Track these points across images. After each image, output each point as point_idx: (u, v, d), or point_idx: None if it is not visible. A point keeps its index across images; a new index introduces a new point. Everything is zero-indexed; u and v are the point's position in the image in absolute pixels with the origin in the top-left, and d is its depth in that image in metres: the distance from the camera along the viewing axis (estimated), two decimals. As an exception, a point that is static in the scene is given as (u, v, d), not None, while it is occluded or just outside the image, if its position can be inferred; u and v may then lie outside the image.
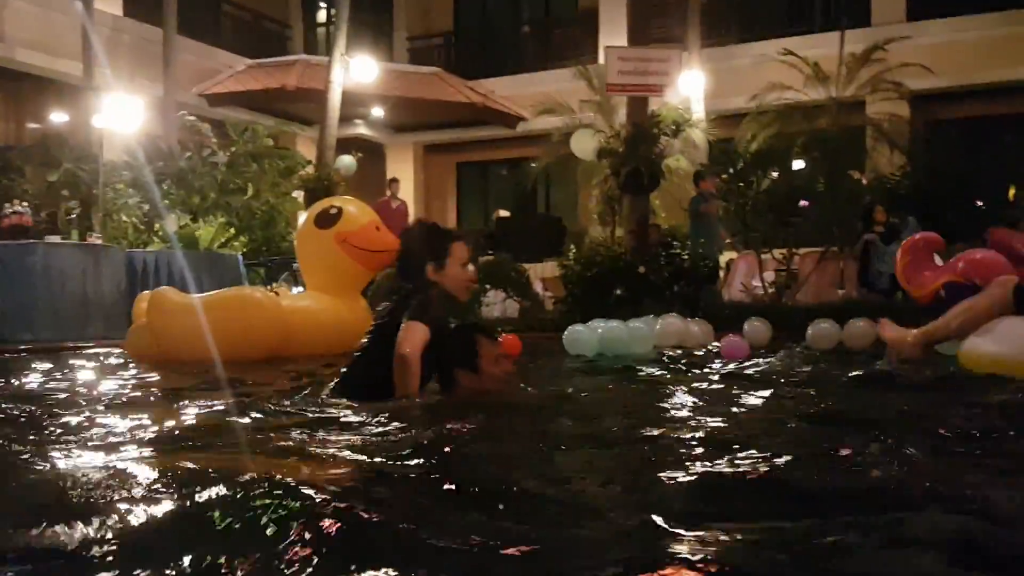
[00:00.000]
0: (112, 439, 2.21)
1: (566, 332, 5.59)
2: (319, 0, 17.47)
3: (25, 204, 8.00)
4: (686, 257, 8.81)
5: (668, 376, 4.03)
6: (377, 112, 15.54)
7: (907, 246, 4.17)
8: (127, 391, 3.69)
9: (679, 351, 5.43)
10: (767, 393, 3.04)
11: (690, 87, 12.57)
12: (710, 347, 5.58)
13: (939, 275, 3.87)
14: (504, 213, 14.96)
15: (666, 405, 2.92)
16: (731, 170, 9.25)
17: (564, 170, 12.68)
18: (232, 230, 10.36)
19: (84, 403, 3.11)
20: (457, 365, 2.91)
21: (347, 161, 12.30)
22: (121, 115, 10.11)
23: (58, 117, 12.02)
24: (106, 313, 7.63)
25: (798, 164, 12.24)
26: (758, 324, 5.82)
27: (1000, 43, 12.72)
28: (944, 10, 13.29)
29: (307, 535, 1.16)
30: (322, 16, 18.26)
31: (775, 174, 9.15)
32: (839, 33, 11.77)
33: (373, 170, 16.44)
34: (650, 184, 8.82)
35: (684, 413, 2.70)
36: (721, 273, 10.71)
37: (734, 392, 3.13)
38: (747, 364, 4.44)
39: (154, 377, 4.44)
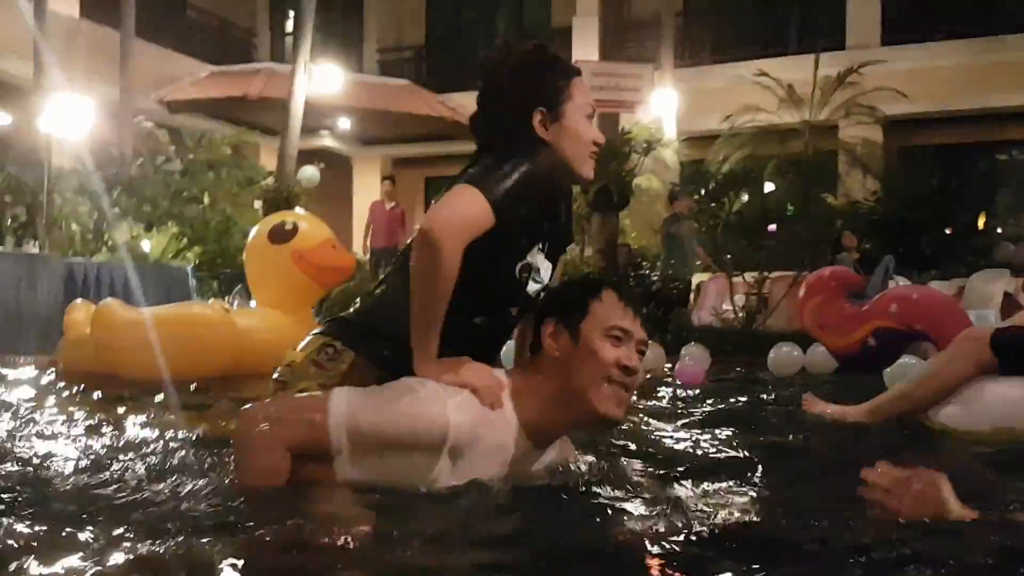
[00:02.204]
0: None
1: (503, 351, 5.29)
2: (287, 7, 17.09)
3: (-44, 209, 7.55)
4: (655, 278, 8.57)
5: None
6: (344, 124, 15.18)
7: (814, 284, 3.36)
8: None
9: None
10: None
11: (663, 106, 12.39)
12: (664, 370, 5.41)
13: (864, 319, 3.12)
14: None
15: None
16: (703, 191, 9.07)
17: (534, 188, 12.41)
18: (185, 241, 9.95)
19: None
20: (551, 321, 1.79)
21: (309, 172, 11.93)
22: (70, 118, 9.66)
23: (5, 118, 11.54)
24: (41, 325, 7.18)
25: (770, 187, 12.14)
26: (695, 350, 5.65)
27: (975, 70, 12.67)
28: (919, 36, 13.26)
29: None
30: (291, 25, 17.89)
31: (746, 196, 8.97)
32: (814, 56, 11.66)
33: (339, 183, 16.06)
34: (619, 202, 8.58)
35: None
36: (692, 296, 10.49)
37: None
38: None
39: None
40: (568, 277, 2.72)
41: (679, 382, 4.74)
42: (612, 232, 8.93)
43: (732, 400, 3.90)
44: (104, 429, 2.78)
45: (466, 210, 1.77)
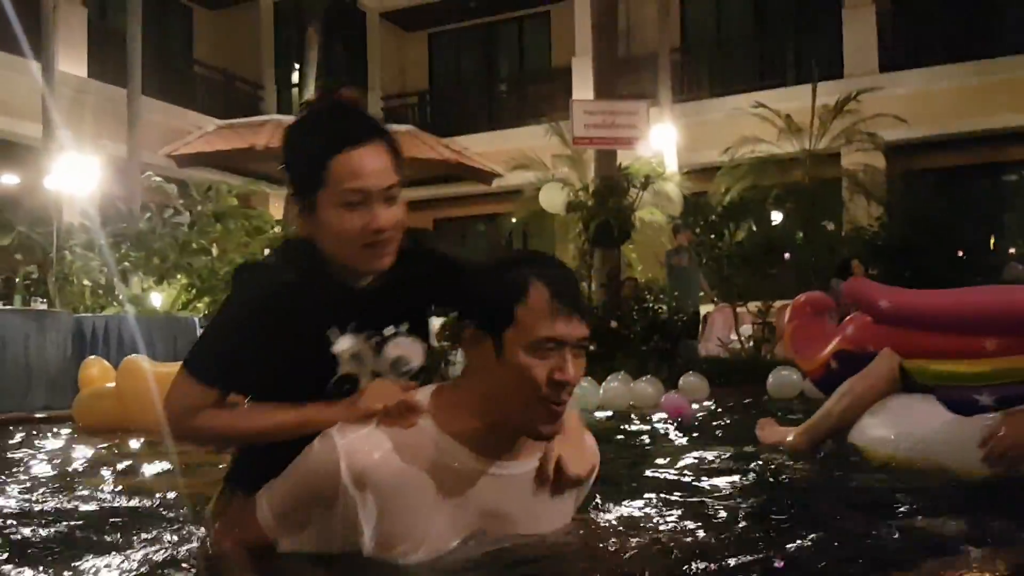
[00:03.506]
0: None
1: None
2: (293, 61, 17.42)
3: (-36, 269, 7.69)
4: (660, 310, 8.59)
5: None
6: (350, 170, 15.38)
7: (791, 310, 3.28)
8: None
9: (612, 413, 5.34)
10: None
11: (662, 141, 12.49)
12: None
13: (828, 343, 3.05)
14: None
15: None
16: (703, 223, 9.11)
17: (541, 225, 12.55)
18: (194, 292, 10.06)
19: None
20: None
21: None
22: (78, 176, 9.87)
23: (15, 179, 11.78)
24: (50, 381, 7.27)
25: (777, 216, 12.16)
26: (693, 379, 5.69)
27: (974, 93, 12.70)
28: (917, 61, 13.32)
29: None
30: (296, 77, 18.24)
31: (746, 228, 9.01)
32: (811, 86, 11.75)
33: (347, 229, 16.24)
34: (620, 237, 8.63)
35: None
36: (701, 327, 10.50)
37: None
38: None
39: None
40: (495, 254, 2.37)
41: (664, 414, 4.79)
42: (614, 266, 8.98)
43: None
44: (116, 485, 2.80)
45: (176, 405, 1.58)
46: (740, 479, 2.50)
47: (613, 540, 1.71)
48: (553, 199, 9.53)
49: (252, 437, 1.61)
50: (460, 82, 18.80)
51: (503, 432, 1.52)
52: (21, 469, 3.33)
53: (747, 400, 5.71)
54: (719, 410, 5.03)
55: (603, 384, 5.71)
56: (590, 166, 11.12)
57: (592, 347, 8.05)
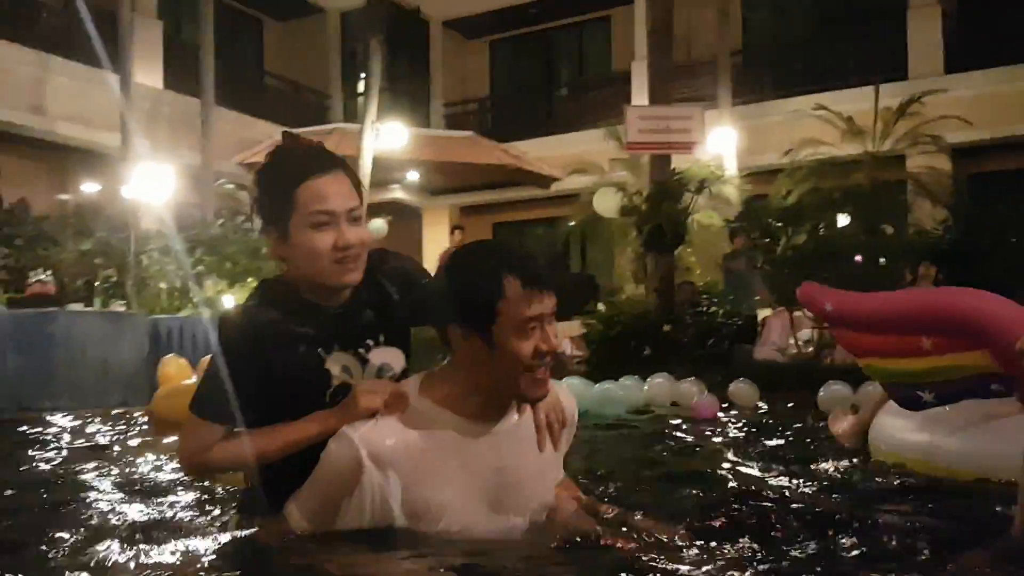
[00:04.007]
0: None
1: None
2: (358, 71, 17.84)
3: (49, 273, 8.16)
4: (714, 312, 8.62)
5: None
6: (412, 176, 15.71)
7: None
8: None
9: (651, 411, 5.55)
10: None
11: (722, 144, 12.48)
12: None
13: None
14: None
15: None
16: (760, 226, 9.09)
17: (599, 228, 12.63)
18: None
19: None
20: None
21: (377, 225, 12.40)
22: (154, 184, 10.34)
23: (95, 187, 12.37)
24: (127, 381, 7.66)
25: (843, 220, 12.01)
26: (744, 385, 5.75)
27: (1041, 93, 12.38)
28: (983, 62, 13.02)
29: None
30: (362, 86, 18.67)
31: (806, 231, 8.93)
32: (873, 88, 11.61)
33: (410, 233, 16.58)
34: (673, 242, 8.68)
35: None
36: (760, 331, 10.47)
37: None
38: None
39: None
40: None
41: (694, 417, 4.99)
42: (668, 270, 9.03)
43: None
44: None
45: (188, 446, 1.81)
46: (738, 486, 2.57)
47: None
48: (607, 203, 9.64)
49: (268, 456, 1.78)
50: (520, 88, 19.01)
51: (494, 398, 1.72)
52: (113, 457, 3.61)
53: (791, 405, 5.74)
54: (766, 421, 5.06)
55: (648, 381, 5.83)
56: (647, 170, 11.20)
57: (647, 351, 8.21)
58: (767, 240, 8.57)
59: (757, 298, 9.79)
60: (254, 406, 1.78)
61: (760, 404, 5.84)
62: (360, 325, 1.87)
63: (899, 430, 2.78)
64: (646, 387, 5.70)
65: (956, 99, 11.87)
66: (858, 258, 9.46)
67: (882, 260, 9.79)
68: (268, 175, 1.85)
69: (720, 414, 5.25)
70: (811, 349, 9.02)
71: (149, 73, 13.48)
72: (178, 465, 1.85)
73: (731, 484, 2.52)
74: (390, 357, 1.89)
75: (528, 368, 1.65)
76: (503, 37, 18.93)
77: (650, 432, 4.53)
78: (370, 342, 1.87)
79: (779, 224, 8.89)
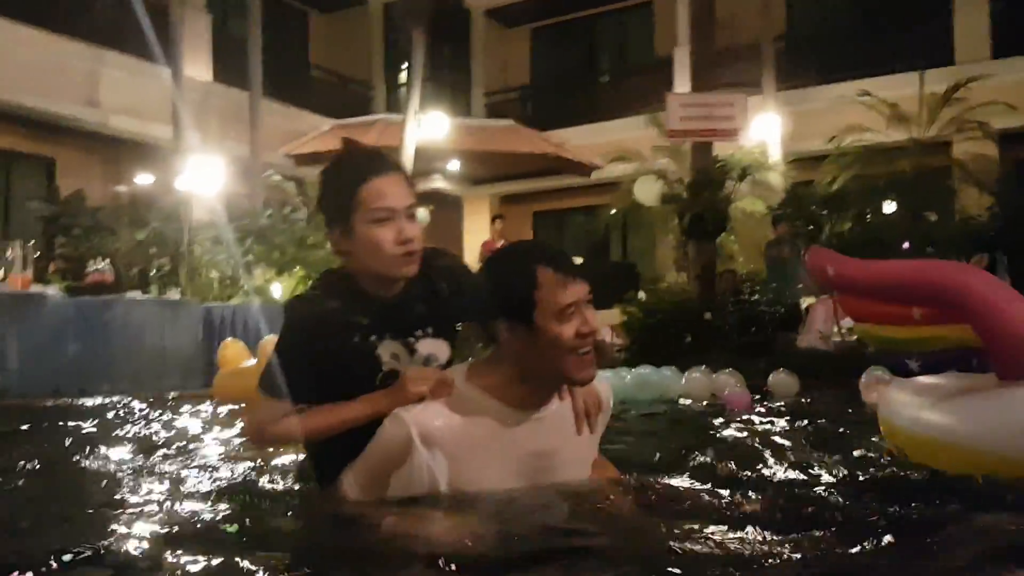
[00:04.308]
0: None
1: None
2: (401, 61, 18.03)
3: (107, 261, 8.45)
4: (757, 300, 8.62)
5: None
6: (454, 166, 15.86)
7: None
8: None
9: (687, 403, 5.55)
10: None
11: (765, 130, 12.43)
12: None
13: None
14: (578, 260, 14.94)
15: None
16: (803, 213, 9.09)
17: (640, 216, 12.65)
18: (310, 283, 10.68)
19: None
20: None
21: (420, 214, 12.55)
22: (205, 176, 10.62)
23: (148, 178, 12.69)
24: (182, 365, 7.94)
25: (889, 207, 11.91)
26: (784, 376, 5.77)
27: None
28: (1033, 46, 12.79)
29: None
30: (404, 77, 18.87)
31: (850, 217, 8.91)
32: (918, 73, 11.50)
33: (451, 222, 16.76)
34: (714, 230, 8.70)
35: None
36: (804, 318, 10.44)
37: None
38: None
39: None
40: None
41: (727, 407, 5.01)
42: (709, 258, 9.05)
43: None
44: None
45: (256, 420, 2.00)
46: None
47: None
48: (648, 191, 9.69)
49: (323, 432, 1.94)
50: (561, 76, 19.02)
51: (536, 387, 1.85)
52: (186, 438, 3.81)
53: (832, 394, 5.74)
54: (802, 411, 5.05)
55: (685, 374, 5.88)
56: (689, 157, 11.20)
57: (688, 338, 8.25)
58: (810, 227, 8.53)
59: (800, 286, 9.78)
60: (313, 386, 1.94)
61: (801, 394, 5.85)
62: (410, 316, 2.03)
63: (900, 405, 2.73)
64: (683, 380, 5.76)
65: (1003, 84, 11.70)
66: (906, 245, 9.40)
67: (929, 248, 9.72)
68: (332, 177, 2.03)
69: (755, 406, 5.29)
70: (855, 337, 9.00)
71: (198, 66, 13.78)
72: (243, 439, 2.02)
73: (736, 470, 2.56)
74: (436, 348, 2.04)
75: (572, 349, 1.77)
76: (544, 25, 18.93)
77: (678, 420, 4.60)
78: (418, 333, 2.03)
79: (823, 211, 8.88)
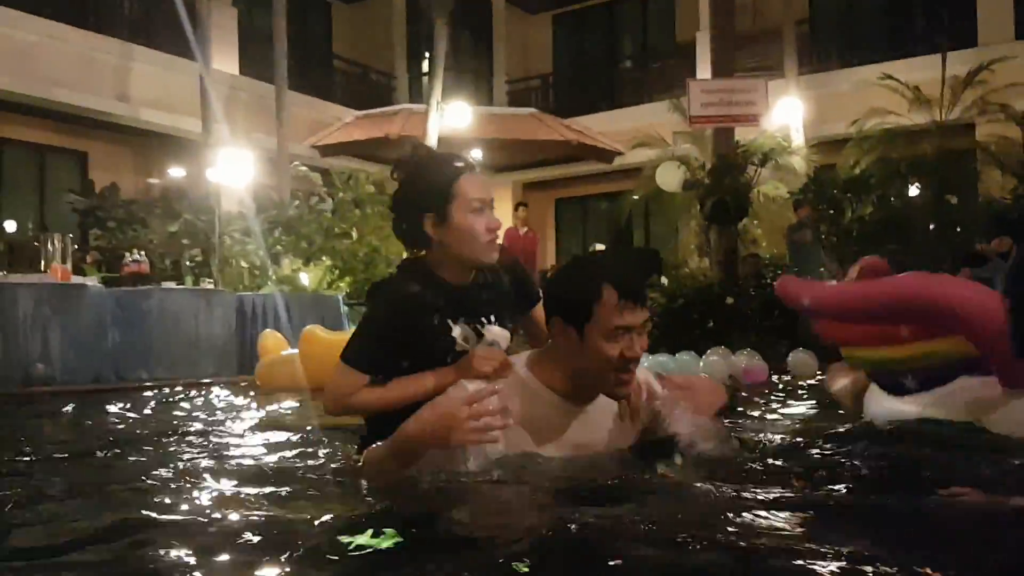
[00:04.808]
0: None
1: None
2: (423, 51, 18.16)
3: (143, 253, 8.68)
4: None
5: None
6: (476, 154, 15.98)
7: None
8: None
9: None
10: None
11: (788, 114, 12.44)
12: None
13: None
14: (599, 246, 15.07)
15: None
16: (825, 197, 9.13)
17: (662, 202, 12.71)
18: (337, 272, 10.88)
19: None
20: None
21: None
22: (234, 168, 10.83)
23: (179, 171, 12.94)
24: (217, 353, 8.15)
25: (913, 191, 11.91)
26: (803, 355, 5.88)
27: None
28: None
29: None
30: (426, 66, 19.00)
31: (869, 202, 8.93)
32: (940, 56, 11.46)
33: (475, 210, 16.89)
34: (736, 215, 8.78)
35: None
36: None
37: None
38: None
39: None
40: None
41: (746, 381, 5.20)
42: (731, 243, 9.14)
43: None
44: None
45: (338, 389, 2.15)
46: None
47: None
48: (669, 178, 9.77)
49: (400, 402, 2.08)
50: (583, 62, 19.06)
51: (583, 383, 1.98)
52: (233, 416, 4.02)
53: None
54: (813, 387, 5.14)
55: (703, 357, 5.98)
56: (712, 143, 11.25)
57: (711, 323, 8.34)
58: (831, 211, 8.59)
59: (822, 269, 9.84)
60: (393, 361, 2.14)
61: (820, 374, 5.95)
62: (480, 303, 2.22)
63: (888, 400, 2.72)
64: (701, 363, 5.87)
65: (1027, 65, 11.61)
66: (931, 227, 9.41)
67: (958, 228, 9.72)
68: (427, 170, 2.21)
69: (770, 379, 5.42)
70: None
71: (225, 59, 13.99)
72: (325, 408, 2.21)
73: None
74: (499, 335, 2.22)
75: (613, 369, 1.88)
76: (565, 11, 18.97)
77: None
78: (484, 320, 2.21)
79: (845, 195, 8.92)
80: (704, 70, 14.07)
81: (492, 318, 2.23)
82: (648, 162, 12.19)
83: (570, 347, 1.91)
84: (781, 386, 5.19)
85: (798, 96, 13.09)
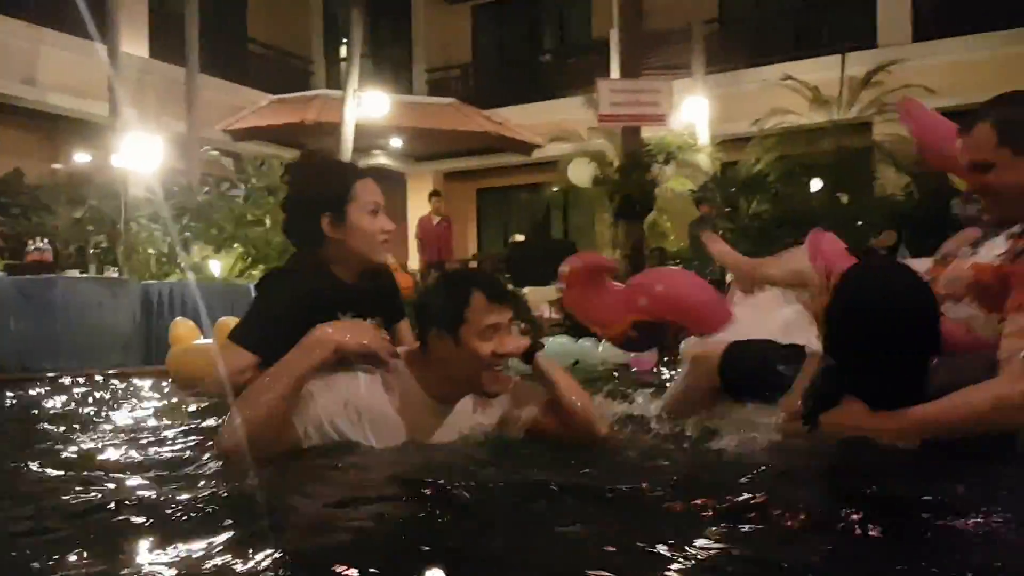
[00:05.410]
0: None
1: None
2: (341, 36, 18.03)
3: (46, 241, 8.50)
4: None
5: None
6: (396, 143, 15.99)
7: (570, 274, 2.94)
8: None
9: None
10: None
11: (694, 112, 12.82)
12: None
13: (622, 313, 2.86)
14: (520, 238, 15.30)
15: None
16: (724, 194, 9.51)
17: (579, 195, 12.98)
18: (249, 260, 10.79)
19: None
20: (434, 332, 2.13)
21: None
22: (143, 153, 10.64)
23: (86, 156, 12.63)
24: (123, 343, 8.06)
25: (816, 185, 12.43)
26: (695, 341, 6.16)
27: (1011, 61, 12.70)
28: (953, 29, 13.33)
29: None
30: (344, 52, 18.84)
31: (766, 198, 9.34)
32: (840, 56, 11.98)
33: (394, 199, 16.89)
34: (643, 210, 9.09)
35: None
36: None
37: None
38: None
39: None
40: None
41: (634, 368, 5.44)
42: (638, 238, 9.45)
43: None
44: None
45: (227, 365, 2.20)
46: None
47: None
48: (580, 173, 10.04)
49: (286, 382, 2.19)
50: (503, 54, 19.17)
51: (455, 389, 2.19)
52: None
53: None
54: None
55: (601, 343, 6.24)
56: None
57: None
58: (728, 209, 8.97)
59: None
60: (278, 349, 2.15)
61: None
62: (366, 301, 2.40)
63: None
64: (600, 348, 6.13)
65: (923, 67, 12.22)
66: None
67: (859, 223, 10.19)
68: (326, 173, 2.44)
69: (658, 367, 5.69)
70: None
71: (135, 42, 13.64)
72: (204, 396, 2.33)
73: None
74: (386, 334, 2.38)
75: (487, 365, 2.09)
76: (486, 2, 19.03)
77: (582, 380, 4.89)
78: (369, 318, 2.37)
79: (743, 192, 9.31)
80: (617, 68, 14.36)
81: (375, 318, 2.40)
82: (566, 156, 12.44)
83: (447, 352, 2.09)
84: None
85: (705, 95, 13.48)
